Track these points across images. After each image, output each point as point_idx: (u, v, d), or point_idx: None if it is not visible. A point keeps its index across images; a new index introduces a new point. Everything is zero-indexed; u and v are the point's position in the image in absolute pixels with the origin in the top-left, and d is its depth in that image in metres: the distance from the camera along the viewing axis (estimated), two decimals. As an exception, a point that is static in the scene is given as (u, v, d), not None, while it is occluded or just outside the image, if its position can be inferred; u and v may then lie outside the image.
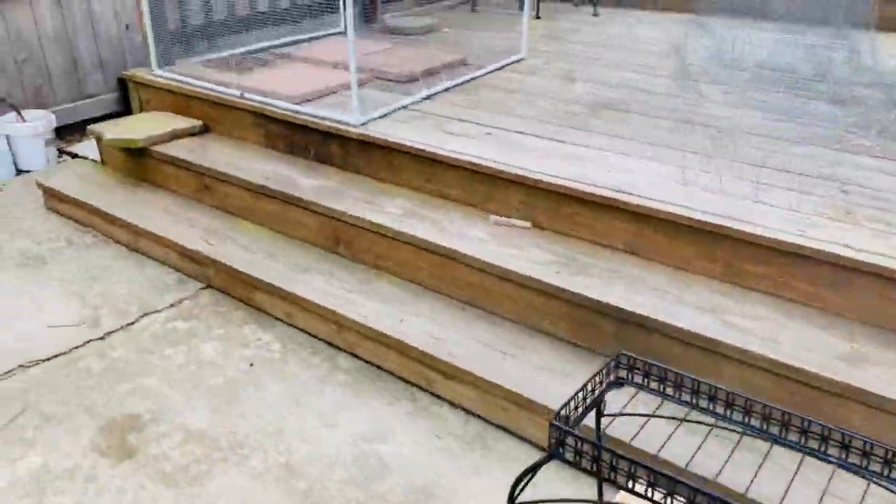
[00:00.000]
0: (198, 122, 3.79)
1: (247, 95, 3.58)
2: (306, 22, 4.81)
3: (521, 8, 5.62)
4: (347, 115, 3.27)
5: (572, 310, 2.40)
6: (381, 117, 3.32)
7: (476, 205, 2.92)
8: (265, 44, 4.48)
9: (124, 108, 4.98)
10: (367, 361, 2.64)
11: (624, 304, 2.28)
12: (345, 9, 4.99)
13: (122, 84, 4.90)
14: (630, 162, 2.79)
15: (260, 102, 3.53)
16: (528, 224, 2.76)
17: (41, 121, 4.34)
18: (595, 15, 5.36)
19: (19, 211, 3.84)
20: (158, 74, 3.99)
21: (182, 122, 3.79)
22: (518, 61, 4.18)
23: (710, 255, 2.39)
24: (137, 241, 3.40)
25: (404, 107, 3.45)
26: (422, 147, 3.00)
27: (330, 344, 2.75)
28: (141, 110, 4.16)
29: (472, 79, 3.87)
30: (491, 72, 3.98)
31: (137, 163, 3.76)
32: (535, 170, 2.73)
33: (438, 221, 2.82)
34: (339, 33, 4.89)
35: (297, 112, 3.41)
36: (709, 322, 2.18)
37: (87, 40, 4.77)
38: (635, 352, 2.29)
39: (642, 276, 2.43)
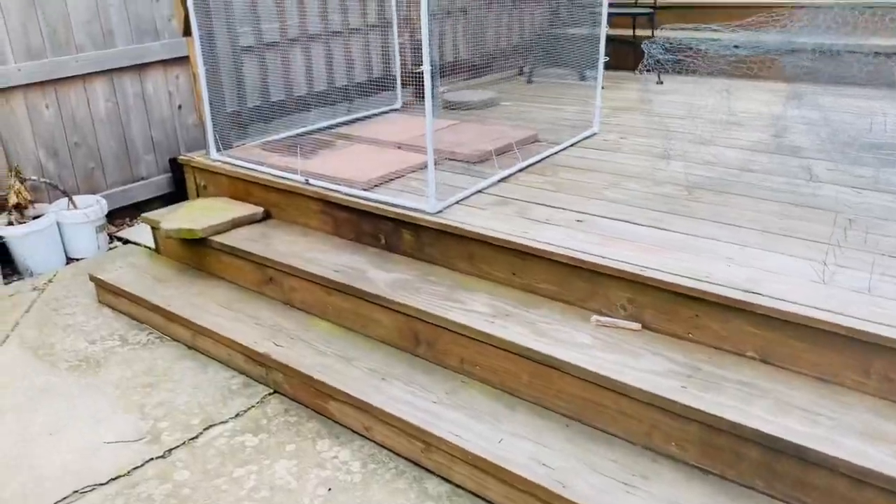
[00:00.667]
0: (259, 209, 3.59)
1: (312, 182, 3.38)
2: (362, 100, 4.66)
3: (582, 78, 5.47)
4: (422, 202, 3.03)
5: (705, 433, 2.08)
6: (457, 203, 3.09)
7: (573, 302, 2.63)
8: (323, 123, 4.31)
9: (175, 190, 4.83)
10: (461, 487, 2.33)
11: (770, 428, 1.96)
12: (403, 86, 4.89)
13: (174, 165, 4.77)
14: (749, 254, 2.50)
15: (325, 188, 3.32)
16: (637, 326, 2.46)
17: (93, 207, 4.18)
18: (659, 83, 5.15)
19: (71, 305, 3.64)
20: (216, 159, 3.81)
21: (242, 209, 3.59)
22: (591, 136, 3.95)
23: (864, 368, 2.07)
24: (196, 340, 3.16)
25: (480, 191, 3.22)
26: (506, 237, 2.74)
27: (416, 464, 2.45)
28: (198, 195, 3.98)
29: (547, 157, 3.63)
30: (565, 148, 3.75)
31: (195, 252, 3.56)
32: (643, 264, 2.45)
33: (532, 322, 2.54)
34: (396, 110, 4.73)
35: (365, 199, 3.18)
36: (883, 455, 1.85)
37: (140, 122, 4.66)
38: (788, 485, 1.97)
39: (784, 391, 2.11)
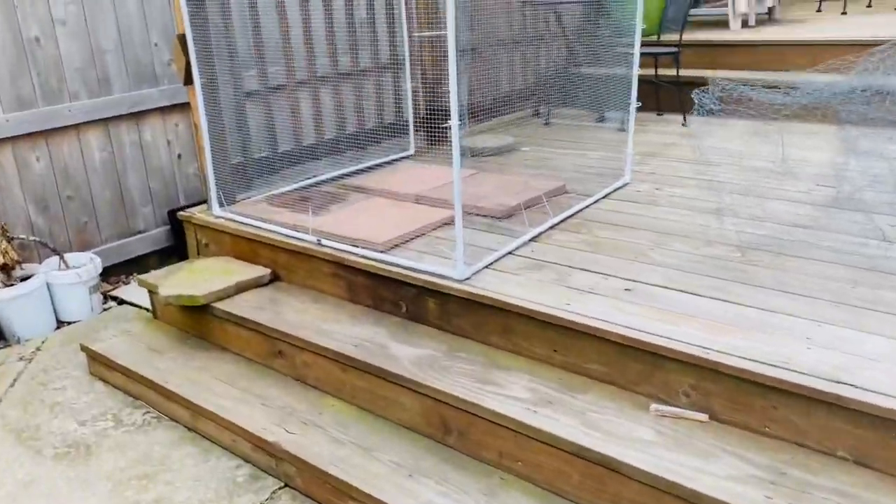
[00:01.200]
0: (266, 271, 3.29)
1: (324, 242, 3.08)
2: (373, 147, 4.39)
3: (600, 120, 5.21)
4: (447, 266, 2.74)
5: (801, 557, 1.76)
6: (486, 267, 2.79)
7: (626, 386, 2.32)
8: (333, 173, 4.03)
9: (175, 243, 4.54)
10: None
11: (886, 557, 1.64)
12: (415, 131, 4.63)
13: (173, 217, 4.48)
14: (830, 333, 2.20)
15: (338, 250, 3.03)
16: (704, 417, 2.15)
17: (86, 266, 3.88)
18: (684, 125, 4.89)
19: (60, 377, 3.33)
20: (219, 216, 3.52)
21: (248, 271, 3.29)
22: (623, 187, 3.67)
23: None
24: (197, 422, 2.85)
25: (511, 252, 2.92)
26: (546, 310, 2.44)
27: (453, 580, 2.12)
28: (198, 253, 3.69)
29: (578, 211, 3.34)
30: (597, 201, 3.46)
31: (197, 319, 3.25)
32: (708, 345, 2.15)
33: (581, 411, 2.23)
34: (409, 157, 4.46)
35: (383, 262, 2.89)
36: None
37: (137, 172, 4.38)
38: None
39: (890, 504, 1.80)
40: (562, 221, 3.23)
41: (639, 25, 3.55)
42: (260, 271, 3.30)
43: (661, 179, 3.75)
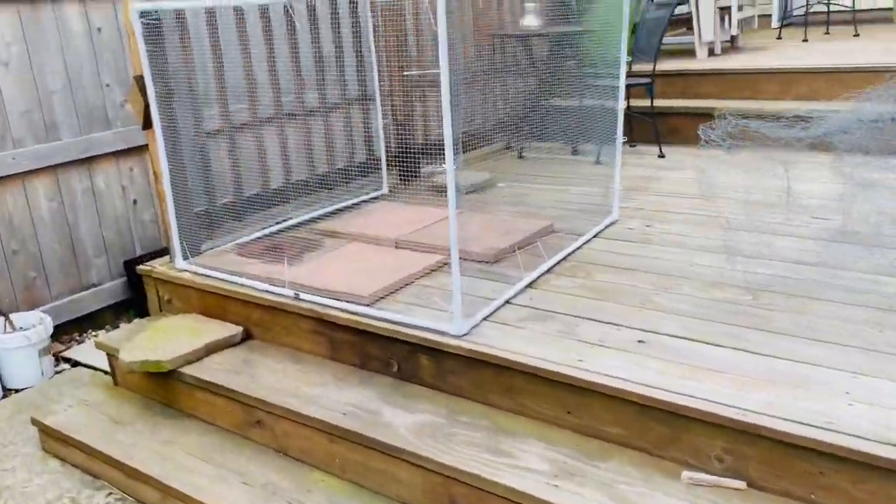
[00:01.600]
0: (237, 329, 3.02)
1: (303, 296, 2.84)
2: (345, 186, 4.17)
3: (574, 152, 5.08)
4: (442, 320, 2.52)
5: None
6: (485, 319, 2.58)
7: (651, 451, 2.13)
8: (304, 217, 3.80)
9: (133, 295, 4.23)
10: None
11: None
12: (389, 168, 4.42)
13: (130, 267, 4.17)
14: (868, 385, 2.04)
15: (318, 304, 2.79)
16: (741, 484, 1.96)
17: (35, 328, 3.55)
18: (661, 157, 4.78)
19: (8, 455, 2.99)
20: (183, 269, 3.25)
21: (217, 330, 3.02)
22: (612, 224, 3.51)
23: None
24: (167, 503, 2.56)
25: (509, 301, 2.72)
26: (555, 367, 2.24)
27: None
28: (161, 310, 3.40)
29: (571, 253, 3.17)
30: (588, 241, 3.29)
31: (162, 385, 2.96)
32: (739, 404, 1.97)
33: (607, 483, 2.02)
34: (382, 196, 4.25)
35: (370, 317, 2.66)
36: None
37: (90, 222, 4.07)
38: None
39: (965, 582, 1.62)
40: (556, 264, 3.04)
41: (623, 56, 3.42)
42: (231, 329, 3.03)
43: (649, 215, 3.61)
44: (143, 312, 3.80)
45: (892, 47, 5.30)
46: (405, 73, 4.21)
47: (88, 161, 4.00)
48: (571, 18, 5.19)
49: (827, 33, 6.65)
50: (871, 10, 7.30)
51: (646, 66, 4.87)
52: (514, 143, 5.33)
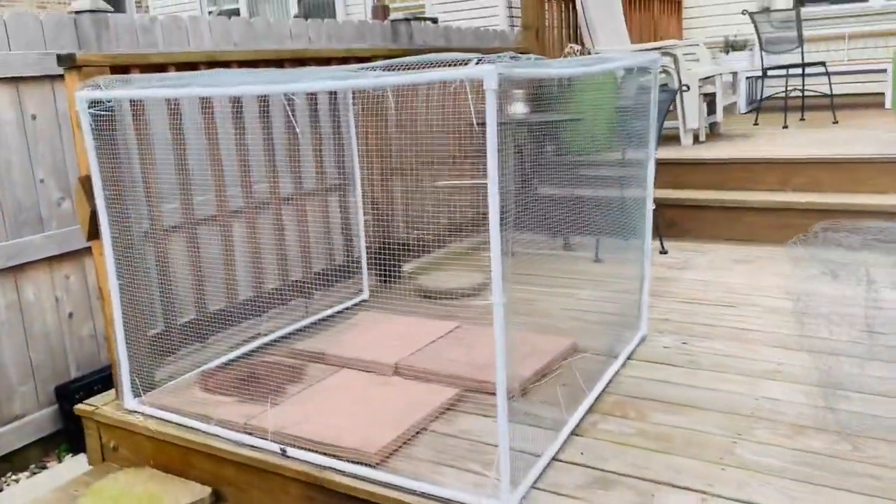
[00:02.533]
0: (204, 492, 2.40)
1: (291, 453, 2.25)
2: (322, 293, 3.63)
3: (566, 247, 4.67)
4: (482, 494, 1.98)
5: None
6: (534, 486, 2.04)
7: None
8: (279, 332, 3.22)
9: (65, 425, 3.52)
10: None
11: None
12: (369, 268, 3.90)
13: (62, 393, 3.48)
14: None
15: (313, 465, 2.21)
16: None
17: (-61, 484, 2.84)
18: (663, 252, 4.40)
19: None
20: (134, 409, 2.63)
21: (179, 493, 2.39)
22: (643, 341, 3.05)
23: None
24: None
25: (555, 457, 2.19)
26: (643, 560, 1.71)
27: None
28: (103, 459, 2.74)
29: (609, 383, 2.67)
30: (623, 364, 2.82)
31: (105, 571, 2.30)
32: None
33: None
34: (364, 302, 3.72)
35: (381, 483, 2.09)
36: None
37: (15, 341, 3.39)
38: None
39: None
40: (597, 399, 2.54)
41: (653, 141, 3.05)
42: (196, 492, 2.41)
43: (681, 329, 3.16)
44: (77, 446, 3.13)
45: (884, 136, 5.13)
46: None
47: (16, 269, 3.34)
48: (559, 105, 4.87)
49: (802, 119, 6.53)
50: (847, 95, 7.31)
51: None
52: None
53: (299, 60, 3.41)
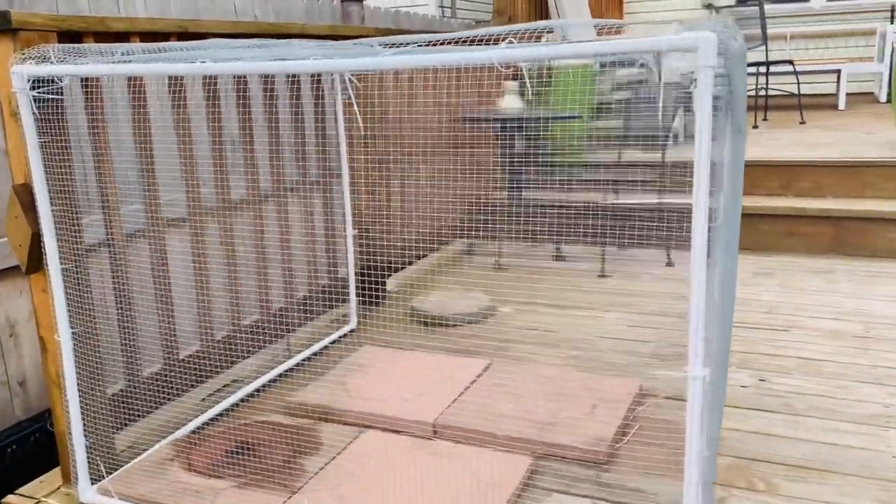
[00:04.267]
0: None
1: (344, 568, 1.64)
2: (309, 322, 2.99)
3: (558, 258, 4.18)
4: None
5: None
6: None
7: None
8: (263, 378, 2.57)
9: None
10: None
11: None
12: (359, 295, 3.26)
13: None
14: None
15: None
16: None
17: None
18: (669, 265, 3.99)
19: None
20: (92, 502, 1.92)
21: None
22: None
23: None
24: None
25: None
26: None
27: None
28: (46, 571, 2.01)
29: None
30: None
31: None
32: None
33: None
34: (353, 333, 3.10)
35: None
36: None
37: None
38: None
39: None
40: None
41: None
42: None
43: (745, 360, 2.72)
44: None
45: (881, 139, 4.93)
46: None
47: None
48: (550, 99, 4.38)
49: (765, 119, 6.33)
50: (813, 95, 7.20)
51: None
52: (476, 245, 4.35)
53: (282, 36, 2.74)
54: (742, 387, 2.51)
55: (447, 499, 1.85)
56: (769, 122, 6.15)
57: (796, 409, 2.34)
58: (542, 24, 1.68)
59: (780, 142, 5.03)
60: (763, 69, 6.05)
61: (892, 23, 7.13)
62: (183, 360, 2.38)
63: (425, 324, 3.23)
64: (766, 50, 6.09)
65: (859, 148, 4.49)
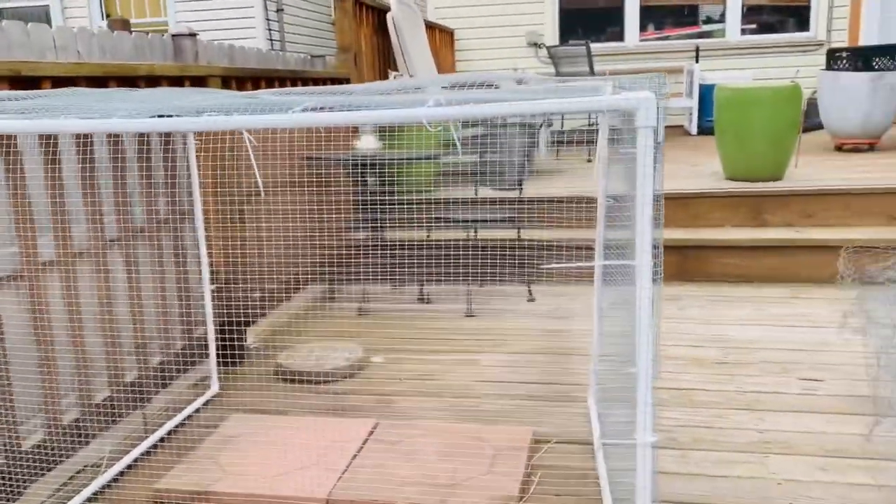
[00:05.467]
0: None
1: None
2: (165, 394, 2.69)
3: (422, 301, 4.10)
4: None
5: None
6: None
7: None
8: (122, 462, 2.25)
9: None
10: None
11: None
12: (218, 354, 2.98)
13: None
14: None
15: None
16: None
17: None
18: (531, 300, 4.03)
19: None
20: None
21: None
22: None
23: None
24: None
25: None
26: None
27: None
28: None
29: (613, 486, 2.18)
30: (602, 452, 2.34)
31: None
32: None
33: None
34: (216, 399, 2.83)
35: None
36: None
37: None
38: None
39: None
40: (611, 513, 2.02)
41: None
42: None
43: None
44: None
45: (692, 170, 5.32)
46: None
47: None
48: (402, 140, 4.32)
49: (589, 161, 6.67)
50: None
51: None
52: (335, 292, 4.18)
53: (127, 78, 2.48)
54: (626, 422, 2.54)
55: (359, 587, 1.69)
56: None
57: (682, 442, 2.40)
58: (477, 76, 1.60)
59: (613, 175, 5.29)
60: (593, 105, 6.38)
61: (696, 61, 7.82)
62: (26, 451, 2.03)
63: (293, 381, 3.02)
64: (594, 87, 6.44)
65: (690, 180, 4.82)
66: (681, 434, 2.45)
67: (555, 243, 4.14)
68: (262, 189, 2.97)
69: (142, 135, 2.56)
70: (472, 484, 2.09)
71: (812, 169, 4.91)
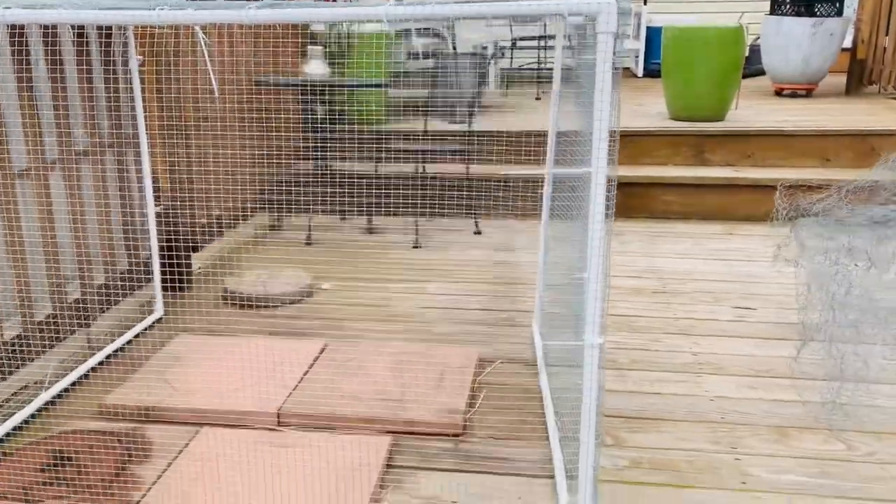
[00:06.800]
0: None
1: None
2: (108, 314, 2.66)
3: (370, 231, 4.11)
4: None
5: None
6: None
7: None
8: (65, 380, 2.23)
9: None
10: None
11: None
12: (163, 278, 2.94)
13: None
14: None
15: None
16: None
17: None
18: (477, 233, 4.08)
19: None
20: None
21: None
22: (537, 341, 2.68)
23: None
24: None
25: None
26: None
27: None
28: None
29: (555, 400, 2.26)
30: (547, 370, 2.42)
31: None
32: None
33: None
34: (162, 321, 2.81)
35: None
36: None
37: None
38: None
39: None
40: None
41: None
42: None
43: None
44: None
45: (638, 109, 5.39)
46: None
47: None
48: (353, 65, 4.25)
49: (545, 92, 6.68)
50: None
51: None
52: (280, 219, 4.14)
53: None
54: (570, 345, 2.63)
55: (305, 491, 1.73)
56: (548, 96, 6.50)
57: (620, 363, 2.50)
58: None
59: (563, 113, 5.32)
60: (543, 42, 6.37)
61: (644, 3, 7.84)
62: (-35, 367, 1.99)
63: (242, 306, 3.01)
64: (545, 24, 6.42)
65: (635, 119, 4.89)
66: (620, 356, 2.55)
67: (503, 177, 4.18)
68: (216, 92, 2.89)
69: (81, 44, 2.45)
70: (421, 398, 2.15)
71: (752, 111, 5.04)
